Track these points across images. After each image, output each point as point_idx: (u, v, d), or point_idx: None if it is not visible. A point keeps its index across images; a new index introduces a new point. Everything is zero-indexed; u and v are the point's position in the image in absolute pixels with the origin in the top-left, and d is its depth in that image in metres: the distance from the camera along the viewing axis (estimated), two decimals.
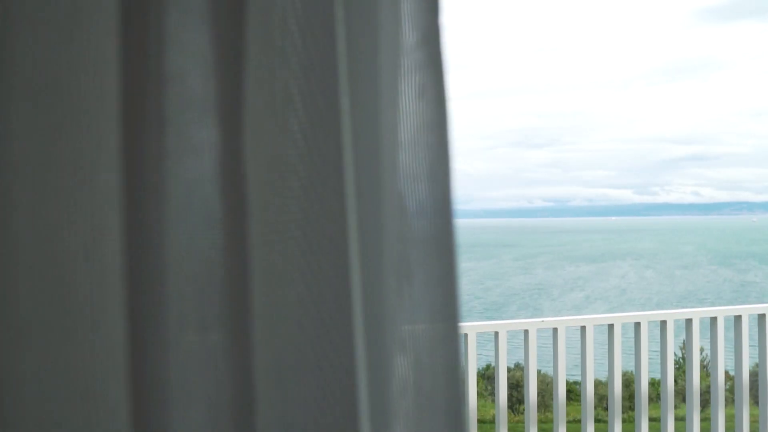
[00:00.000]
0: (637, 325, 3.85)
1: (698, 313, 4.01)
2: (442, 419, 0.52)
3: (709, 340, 4.04)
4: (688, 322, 3.94)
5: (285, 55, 0.47)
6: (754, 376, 4.30)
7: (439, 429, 0.52)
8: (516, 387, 9.89)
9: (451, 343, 0.53)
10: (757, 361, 4.09)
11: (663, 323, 3.90)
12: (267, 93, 0.47)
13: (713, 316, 3.98)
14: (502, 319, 4.14)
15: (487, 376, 12.23)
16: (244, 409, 0.47)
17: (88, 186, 0.49)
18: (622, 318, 3.91)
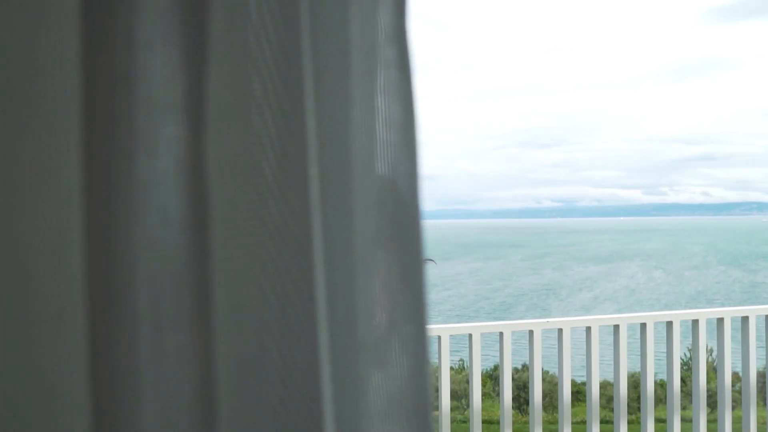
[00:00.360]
0: (643, 325, 3.83)
1: (705, 313, 3.98)
2: (407, 422, 0.52)
3: (717, 342, 4.01)
4: (695, 322, 3.92)
5: (250, 52, 0.47)
6: (762, 377, 4.27)
7: (405, 431, 0.51)
8: (524, 388, 9.87)
9: (418, 344, 0.53)
10: (765, 362, 4.06)
11: (669, 324, 3.87)
12: (232, 91, 0.48)
13: (720, 317, 3.95)
14: (510, 320, 4.13)
15: (494, 377, 12.19)
16: (204, 409, 0.47)
17: (52, 184, 0.49)
18: (627, 318, 3.89)
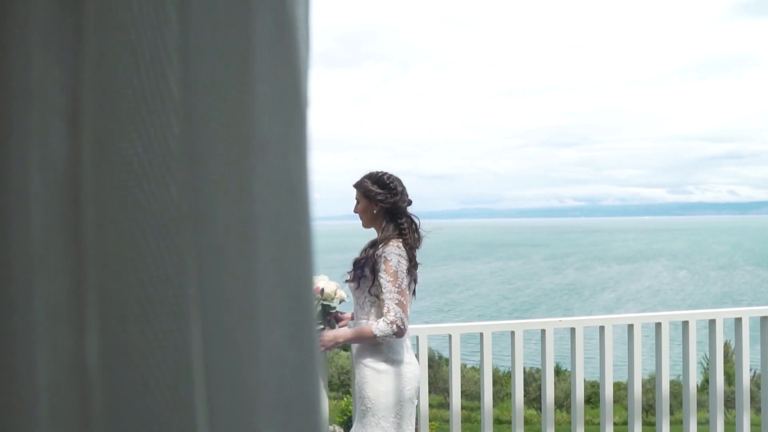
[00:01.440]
0: (658, 325, 3.77)
1: (722, 313, 3.90)
2: (290, 412, 0.51)
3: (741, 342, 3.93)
4: (712, 322, 3.85)
5: (121, 40, 0.47)
6: None
7: (284, 427, 0.51)
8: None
9: (304, 332, 0.52)
10: None
11: (685, 324, 3.81)
12: (106, 80, 0.48)
13: (738, 316, 3.87)
14: (522, 319, 4.07)
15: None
16: (75, 397, 0.48)
17: None
18: (642, 318, 3.82)
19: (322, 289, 3.03)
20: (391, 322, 2.82)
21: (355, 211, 3.08)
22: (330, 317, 3.06)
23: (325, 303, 3.05)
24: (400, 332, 2.84)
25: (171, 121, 0.48)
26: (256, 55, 0.49)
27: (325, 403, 2.97)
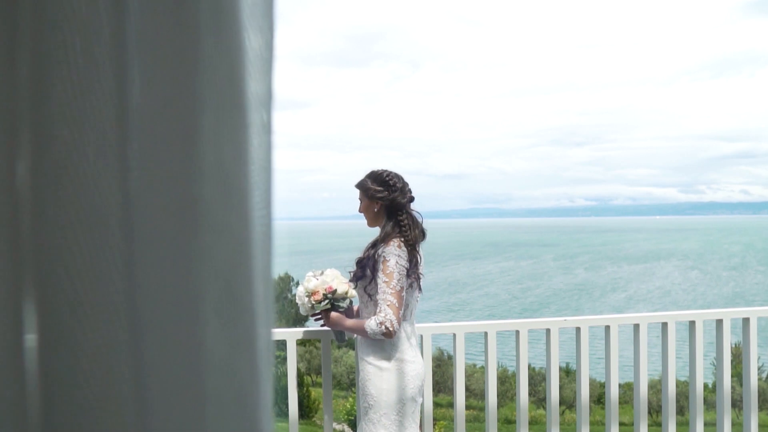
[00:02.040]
0: (665, 325, 3.74)
1: (729, 313, 3.87)
2: (219, 411, 0.51)
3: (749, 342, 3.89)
4: (719, 322, 3.82)
5: (55, 35, 0.47)
6: None
7: (225, 427, 0.51)
8: (561, 388, 9.79)
9: (235, 336, 0.51)
10: None
11: (692, 323, 3.78)
12: (39, 76, 0.47)
13: (746, 316, 3.84)
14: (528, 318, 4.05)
15: (530, 377, 12.03)
16: (10, 392, 0.48)
17: None
18: (648, 318, 3.79)
19: (335, 290, 3.06)
20: (380, 323, 2.85)
21: (360, 211, 3.09)
22: (341, 313, 3.10)
23: (335, 303, 3.07)
24: (389, 333, 2.85)
25: (106, 112, 0.47)
26: (189, 46, 0.49)
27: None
